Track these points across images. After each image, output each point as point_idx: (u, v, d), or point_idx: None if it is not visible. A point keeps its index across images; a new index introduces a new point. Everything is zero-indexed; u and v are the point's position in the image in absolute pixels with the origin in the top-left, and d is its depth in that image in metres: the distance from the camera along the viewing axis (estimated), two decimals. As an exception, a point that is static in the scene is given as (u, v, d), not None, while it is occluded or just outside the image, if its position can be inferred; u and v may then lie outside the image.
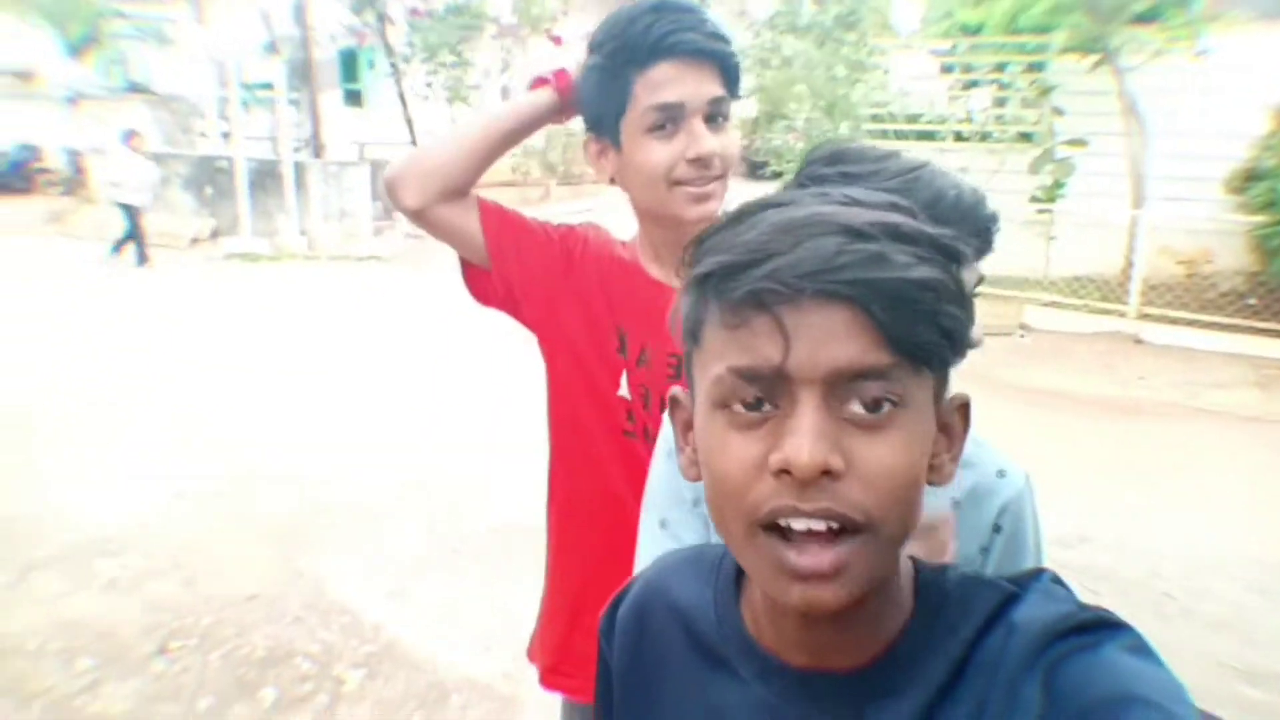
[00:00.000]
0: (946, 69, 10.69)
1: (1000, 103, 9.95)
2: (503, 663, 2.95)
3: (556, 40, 16.80)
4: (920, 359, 0.55)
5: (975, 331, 0.65)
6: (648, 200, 1.26)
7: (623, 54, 1.19)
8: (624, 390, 1.32)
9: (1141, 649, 0.54)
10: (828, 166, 0.94)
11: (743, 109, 11.11)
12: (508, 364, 5.05)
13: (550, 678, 1.46)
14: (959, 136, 9.94)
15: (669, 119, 1.19)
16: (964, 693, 0.58)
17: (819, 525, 0.53)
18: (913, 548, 0.81)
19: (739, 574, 0.70)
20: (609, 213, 1.81)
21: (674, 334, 0.64)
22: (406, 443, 5.06)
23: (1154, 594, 3.57)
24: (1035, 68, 9.29)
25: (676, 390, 0.67)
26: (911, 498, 0.56)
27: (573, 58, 1.33)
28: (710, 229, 0.60)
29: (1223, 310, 7.76)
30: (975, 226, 0.92)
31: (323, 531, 3.97)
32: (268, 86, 13.05)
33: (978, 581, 0.63)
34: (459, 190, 1.31)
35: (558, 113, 1.34)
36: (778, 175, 9.80)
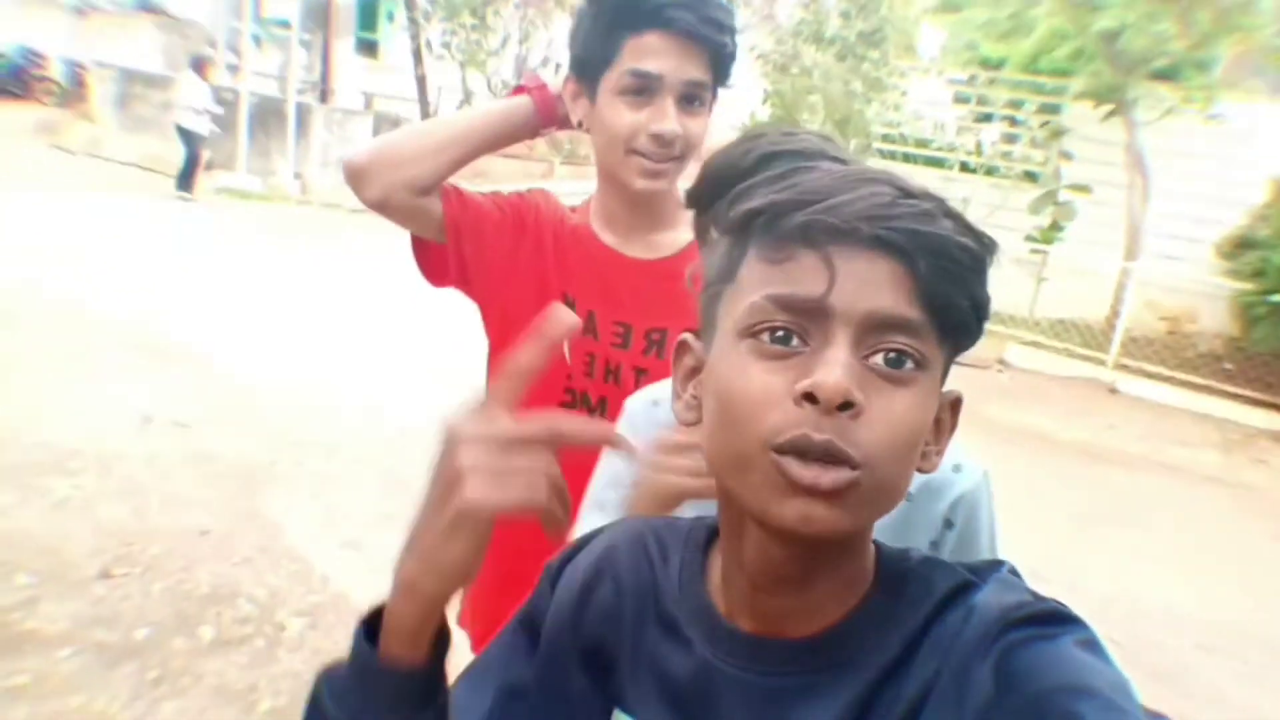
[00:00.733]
0: (962, 99, 10.73)
1: (1010, 139, 10.01)
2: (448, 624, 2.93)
3: (580, 18, 16.69)
4: (947, 325, 0.57)
5: None
6: (604, 158, 1.28)
7: (622, 12, 1.19)
8: (565, 353, 1.31)
9: (1092, 644, 0.54)
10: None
11: (756, 111, 11.08)
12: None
13: (481, 646, 1.45)
14: (965, 167, 10.00)
15: (644, 88, 1.19)
16: (915, 669, 0.58)
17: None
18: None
19: (708, 543, 0.70)
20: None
21: (695, 282, 0.64)
22: (380, 396, 5.02)
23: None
24: (1049, 109, 9.35)
25: (687, 335, 0.67)
26: (910, 459, 0.57)
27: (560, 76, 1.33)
28: (749, 183, 0.61)
29: (1198, 370, 7.86)
30: None
31: (285, 475, 3.93)
32: (284, 24, 12.85)
33: (938, 565, 0.63)
34: (424, 189, 1.30)
35: (534, 128, 1.35)
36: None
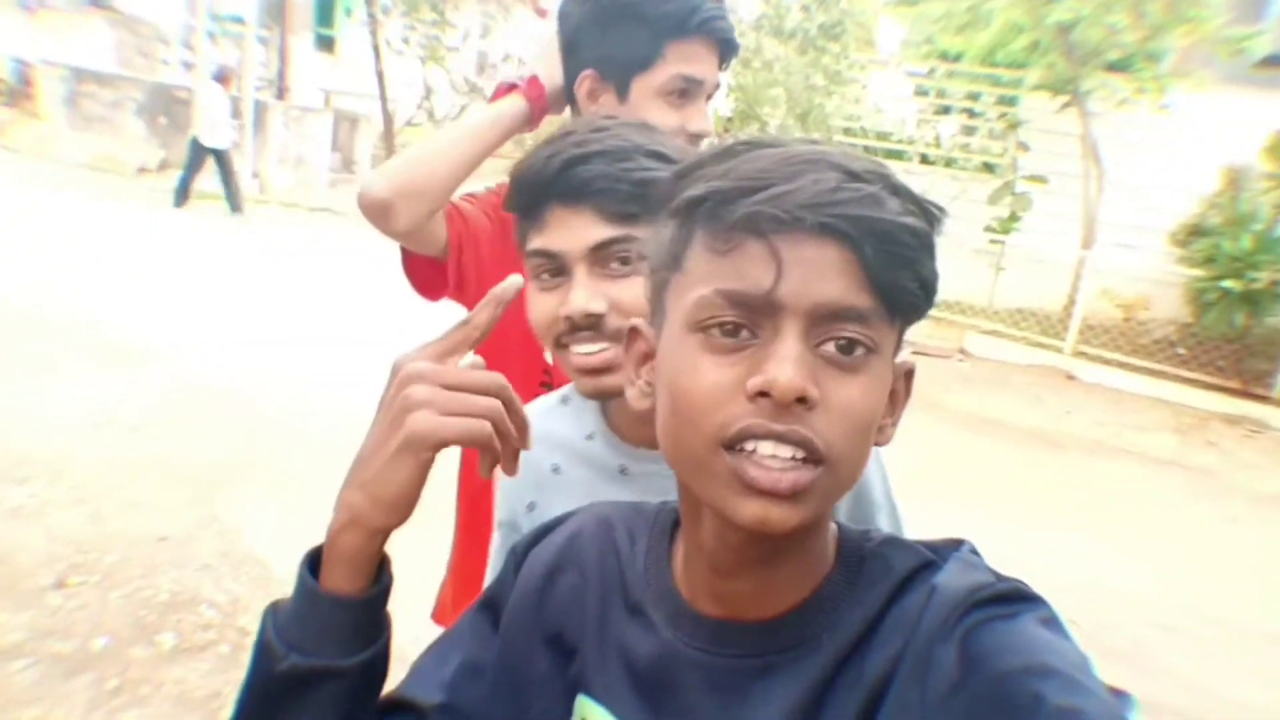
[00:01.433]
0: (921, 92, 10.84)
1: (969, 131, 10.14)
2: (413, 628, 2.91)
3: (542, 12, 16.59)
4: (896, 307, 0.57)
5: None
6: None
7: (666, 19, 1.24)
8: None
9: (1053, 622, 0.55)
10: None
11: (719, 105, 11.12)
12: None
13: None
14: (925, 159, 10.11)
15: (687, 90, 1.27)
16: (876, 649, 0.58)
17: (786, 451, 0.54)
18: None
19: (673, 528, 0.70)
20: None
21: (644, 261, 0.64)
22: (339, 398, 4.97)
23: (1058, 621, 3.68)
24: (1006, 101, 9.48)
25: (638, 320, 0.67)
26: (867, 443, 0.58)
27: (546, 55, 1.34)
28: (695, 160, 0.60)
29: (1153, 356, 8.03)
30: None
31: (244, 479, 3.87)
32: (238, 20, 12.66)
33: (898, 544, 0.63)
34: (441, 206, 1.31)
35: (527, 122, 1.35)
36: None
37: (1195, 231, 8.48)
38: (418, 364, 0.61)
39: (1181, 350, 8.10)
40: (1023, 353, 8.35)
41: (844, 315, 0.54)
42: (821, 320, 0.54)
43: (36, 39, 14.18)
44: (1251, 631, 3.86)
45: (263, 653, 0.64)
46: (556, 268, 0.88)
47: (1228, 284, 7.65)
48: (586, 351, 0.87)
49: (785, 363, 0.53)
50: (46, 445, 3.86)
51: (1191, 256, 8.31)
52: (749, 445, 0.54)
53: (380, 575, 0.66)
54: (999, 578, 0.58)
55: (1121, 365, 7.98)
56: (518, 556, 0.76)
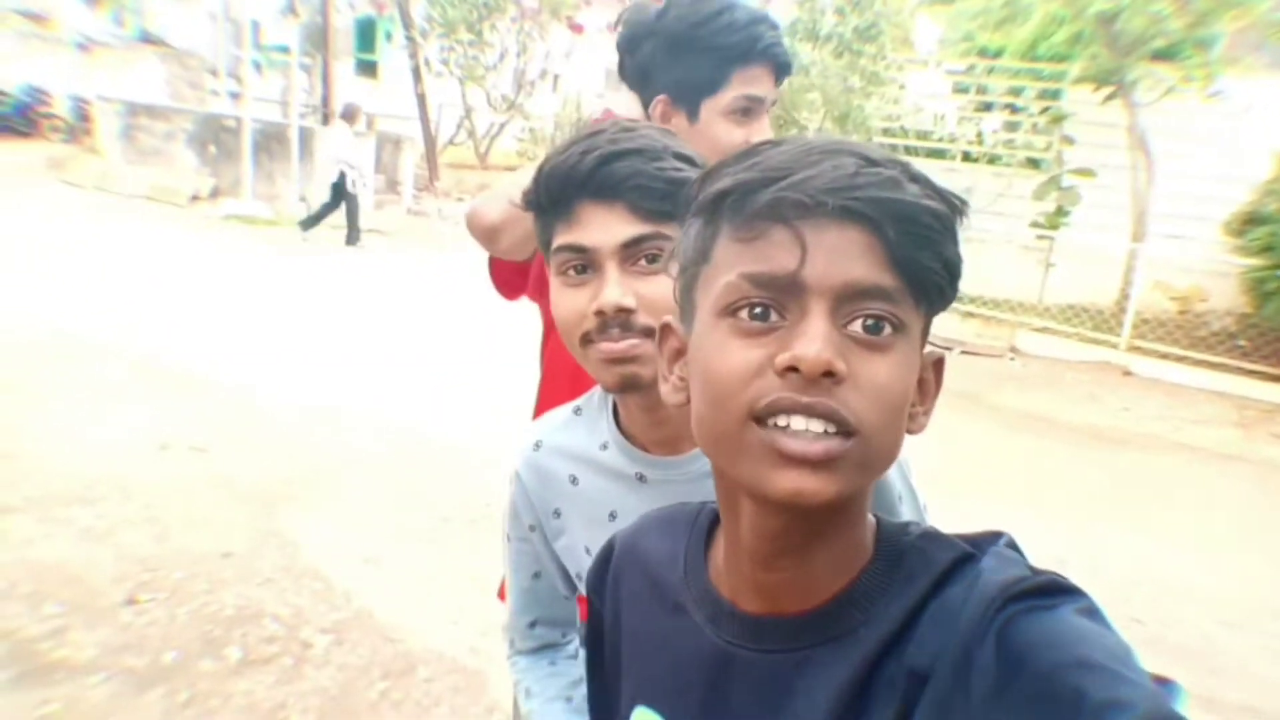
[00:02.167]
0: (960, 89, 10.71)
1: (1012, 127, 9.98)
2: (471, 636, 2.95)
3: (577, 29, 16.75)
4: (921, 288, 0.57)
5: None
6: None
7: (733, 49, 1.36)
8: None
9: (1093, 612, 0.54)
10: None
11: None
12: (500, 346, 5.05)
13: None
14: (967, 157, 9.97)
15: (750, 108, 1.39)
16: (916, 642, 0.58)
17: (817, 425, 0.55)
18: None
19: (711, 527, 0.71)
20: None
21: (673, 264, 0.66)
22: (395, 412, 5.06)
23: (1123, 619, 3.60)
24: (1049, 95, 9.32)
25: (669, 318, 0.68)
26: (899, 423, 0.58)
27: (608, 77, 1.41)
28: (719, 162, 0.62)
29: (1212, 349, 7.80)
30: None
31: (303, 494, 3.96)
32: (284, 50, 12.98)
33: (937, 538, 0.63)
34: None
35: None
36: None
37: (1251, 220, 8.23)
38: None
39: (1242, 342, 7.85)
40: (1076, 349, 8.17)
41: (869, 293, 0.56)
42: (847, 299, 0.56)
43: (92, 76, 14.72)
44: (1326, 629, 3.73)
45: None
46: (585, 263, 0.88)
47: (1288, 272, 7.41)
48: (614, 340, 0.88)
49: (813, 339, 0.54)
50: (114, 468, 4.00)
51: (1247, 245, 8.06)
52: (780, 420, 0.55)
53: None
54: (1035, 571, 0.58)
55: (1179, 359, 7.76)
56: (594, 585, 0.80)
